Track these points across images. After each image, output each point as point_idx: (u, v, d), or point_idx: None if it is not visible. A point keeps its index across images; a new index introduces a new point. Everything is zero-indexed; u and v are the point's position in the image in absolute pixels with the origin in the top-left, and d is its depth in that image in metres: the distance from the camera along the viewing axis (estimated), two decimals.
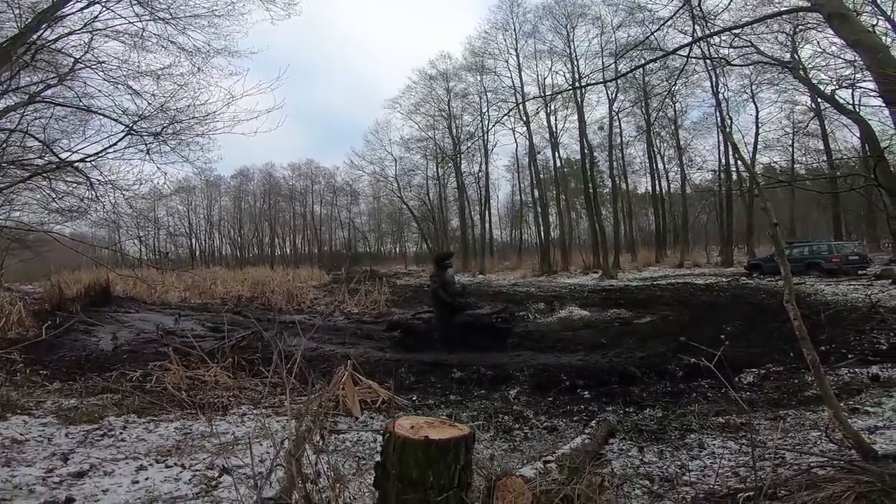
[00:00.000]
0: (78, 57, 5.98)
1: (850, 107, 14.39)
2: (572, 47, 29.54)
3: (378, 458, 2.35)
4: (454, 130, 35.57)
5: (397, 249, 49.97)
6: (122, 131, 5.88)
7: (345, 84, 65.94)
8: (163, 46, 6.69)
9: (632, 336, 7.61)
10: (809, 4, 3.04)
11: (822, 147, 25.17)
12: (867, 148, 16.10)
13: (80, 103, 6.07)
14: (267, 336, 8.16)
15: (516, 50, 31.19)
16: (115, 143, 5.82)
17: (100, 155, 5.89)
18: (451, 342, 7.14)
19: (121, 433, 3.81)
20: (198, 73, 6.72)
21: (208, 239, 48.80)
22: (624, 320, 9.41)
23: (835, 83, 14.03)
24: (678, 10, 5.21)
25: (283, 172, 48.04)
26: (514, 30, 31.11)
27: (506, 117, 30.27)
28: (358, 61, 66.95)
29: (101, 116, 6.03)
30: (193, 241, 46.95)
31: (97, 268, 16.43)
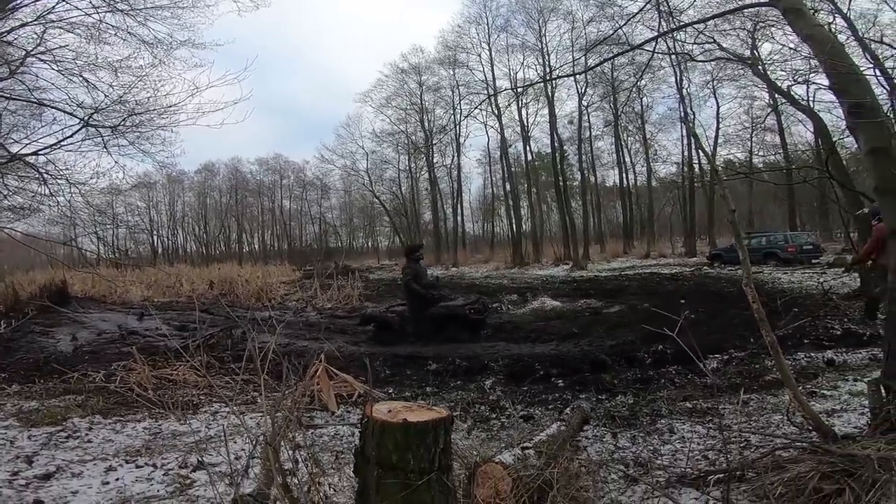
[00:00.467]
0: (29, 50, 5.60)
1: (804, 102, 15.09)
2: (544, 42, 29.99)
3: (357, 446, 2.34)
4: (426, 124, 35.49)
5: (369, 244, 49.57)
6: (78, 124, 5.57)
7: (315, 77, 64.64)
8: (122, 38, 6.35)
9: (602, 325, 7.80)
10: (768, 0, 3.18)
11: (778, 142, 26.39)
12: (820, 142, 16.94)
13: (32, 96, 5.69)
14: (237, 332, 8.01)
15: (489, 44, 31.40)
16: (69, 137, 5.50)
17: (53, 148, 5.57)
18: (426, 334, 7.16)
19: (86, 434, 3.66)
20: (159, 66, 6.41)
21: (171, 236, 47.09)
22: (594, 310, 9.63)
23: (791, 79, 14.71)
24: (645, 6, 5.34)
25: (250, 167, 46.78)
26: (487, 24, 31.30)
27: (478, 111, 30.47)
28: (329, 55, 65.77)
29: (54, 110, 5.68)
30: (155, 238, 45.21)
31: (52, 267, 15.63)
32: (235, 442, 3.40)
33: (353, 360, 5.83)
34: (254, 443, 2.98)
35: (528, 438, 2.30)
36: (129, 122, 5.74)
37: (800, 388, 3.59)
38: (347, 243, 48.99)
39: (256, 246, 48.89)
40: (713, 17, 8.52)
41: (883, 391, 2.35)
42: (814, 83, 14.26)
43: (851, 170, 14.50)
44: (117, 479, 2.83)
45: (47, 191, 6.01)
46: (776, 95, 20.60)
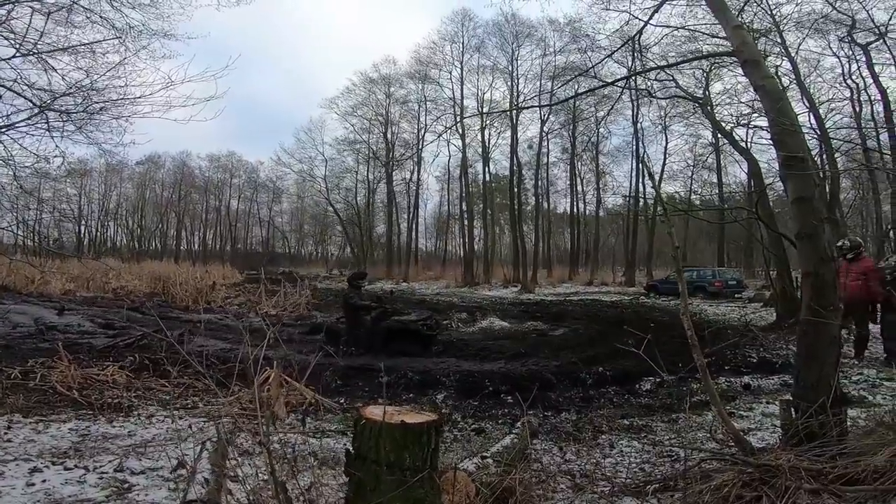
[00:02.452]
0: None
1: (742, 144, 16.58)
2: (515, 65, 30.92)
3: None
4: (390, 136, 35.51)
5: (318, 252, 48.41)
6: (26, 107, 5.13)
7: (280, 77, 62.96)
8: (91, 21, 5.95)
9: (548, 346, 8.09)
10: (730, 50, 3.56)
11: (715, 180, 28.71)
12: (752, 183, 18.59)
13: None
14: (174, 334, 7.59)
15: (461, 63, 32.02)
16: (25, 120, 5.05)
17: (2, 130, 5.08)
18: (376, 347, 7.13)
19: (5, 433, 3.36)
20: (126, 52, 6.04)
21: (100, 227, 43.73)
22: (540, 332, 9.97)
23: (734, 121, 16.18)
24: (622, 46, 5.78)
25: (200, 163, 44.65)
26: (462, 43, 31.91)
27: (441, 127, 30.87)
28: (300, 56, 64.34)
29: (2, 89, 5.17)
30: (83, 227, 41.80)
31: None
32: (177, 447, 3.24)
33: (302, 369, 5.71)
34: (199, 447, 2.87)
35: (486, 449, 2.39)
36: (91, 109, 5.37)
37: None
38: (296, 249, 47.59)
39: (197, 245, 46.34)
40: (683, 62, 9.26)
41: (792, 411, 2.66)
42: (754, 126, 15.80)
43: (776, 211, 16.00)
44: (44, 481, 2.63)
45: None
46: (718, 135, 22.49)
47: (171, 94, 5.71)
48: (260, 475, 2.41)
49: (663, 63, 11.60)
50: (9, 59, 5.15)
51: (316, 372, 5.38)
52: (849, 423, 2.78)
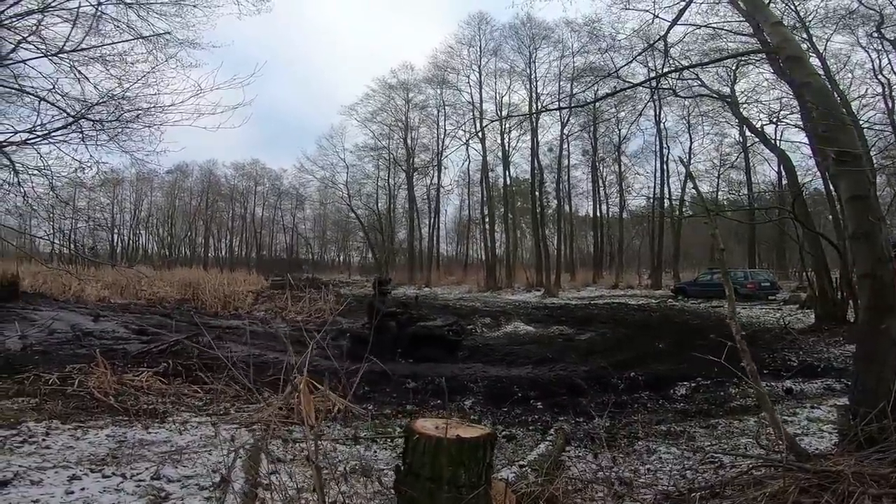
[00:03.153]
0: (25, 36, 5.35)
1: (774, 142, 16.05)
2: (533, 68, 30.67)
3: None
4: (409, 141, 35.70)
5: (341, 258, 48.95)
6: (61, 116, 5.32)
7: (302, 85, 64.00)
8: (119, 30, 6.18)
9: (575, 351, 7.94)
10: (761, 47, 3.44)
11: (743, 179, 27.81)
12: (783, 182, 17.90)
13: (15, 84, 5.40)
14: (204, 339, 7.73)
15: (479, 66, 31.89)
16: (58, 129, 5.24)
17: (40, 140, 5.28)
18: (403, 353, 7.11)
19: (44, 440, 3.44)
20: (160, 63, 6.23)
21: (132, 235, 45.21)
22: (566, 336, 9.80)
23: (765, 118, 15.69)
24: (649, 47, 5.70)
25: (226, 171, 45.65)
26: (479, 46, 31.77)
27: (462, 132, 30.86)
28: (319, 64, 65.39)
29: (37, 100, 5.38)
30: (115, 236, 43.30)
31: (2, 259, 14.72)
32: (210, 453, 3.27)
33: (329, 375, 5.72)
34: (233, 455, 2.89)
35: (521, 457, 2.32)
36: (124, 118, 5.54)
37: (761, 414, 3.77)
38: (319, 255, 48.21)
39: (223, 252, 47.43)
40: (714, 62, 9.03)
41: (850, 416, 2.51)
42: (786, 123, 15.31)
43: (810, 210, 15.44)
44: (83, 489, 2.67)
45: (16, 180, 5.68)
46: (747, 133, 21.78)
47: (200, 102, 5.86)
48: (296, 483, 2.40)
49: (688, 63, 11.34)
50: (31, 59, 5.29)
51: (340, 378, 5.40)
52: None
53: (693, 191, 27.25)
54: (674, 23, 6.30)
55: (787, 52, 3.05)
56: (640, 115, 22.82)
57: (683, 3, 5.88)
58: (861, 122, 14.63)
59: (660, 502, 2.32)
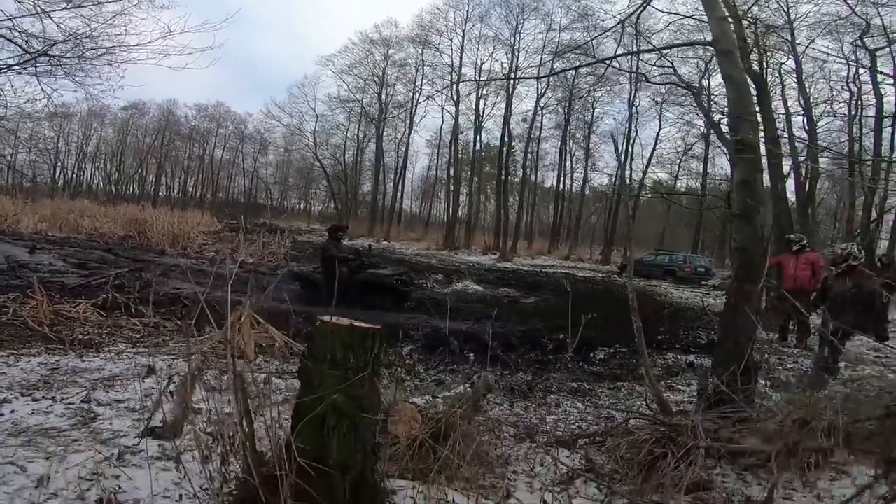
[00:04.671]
0: None
1: (726, 135, 16.79)
2: (517, 38, 30.18)
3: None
4: (384, 97, 34.75)
5: (301, 206, 47.79)
6: (17, 54, 4.90)
7: (282, 35, 59.99)
8: None
9: (518, 313, 8.38)
10: (710, 40, 3.68)
11: (700, 170, 29.01)
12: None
13: None
14: (147, 275, 7.60)
15: (463, 31, 31.17)
16: (18, 65, 4.85)
17: None
18: (351, 299, 7.28)
19: None
20: (126, 3, 5.74)
21: (77, 170, 42.31)
22: (512, 299, 10.26)
23: (721, 112, 16.33)
24: (617, 25, 5.86)
25: (187, 111, 42.95)
26: (466, 11, 31.00)
27: (438, 94, 30.29)
28: (299, 12, 60.91)
29: None
30: (58, 169, 40.38)
31: None
32: (144, 381, 3.38)
33: (276, 315, 5.84)
34: (167, 381, 3.01)
35: (440, 392, 2.60)
36: (86, 56, 5.18)
37: (661, 383, 4.25)
38: (279, 202, 46.85)
39: (176, 191, 45.21)
40: (668, 48, 9.32)
41: (709, 378, 2.93)
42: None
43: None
44: (12, 411, 2.74)
45: None
46: (708, 125, 22.57)
47: (169, 44, 5.58)
48: (224, 409, 2.57)
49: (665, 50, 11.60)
50: None
51: (287, 318, 5.54)
52: (768, 404, 3.04)
53: (660, 178, 28.25)
54: (645, 5, 6.46)
55: (722, 46, 3.28)
56: (604, 88, 22.89)
57: None
58: (817, 129, 15.55)
59: (552, 444, 2.68)
